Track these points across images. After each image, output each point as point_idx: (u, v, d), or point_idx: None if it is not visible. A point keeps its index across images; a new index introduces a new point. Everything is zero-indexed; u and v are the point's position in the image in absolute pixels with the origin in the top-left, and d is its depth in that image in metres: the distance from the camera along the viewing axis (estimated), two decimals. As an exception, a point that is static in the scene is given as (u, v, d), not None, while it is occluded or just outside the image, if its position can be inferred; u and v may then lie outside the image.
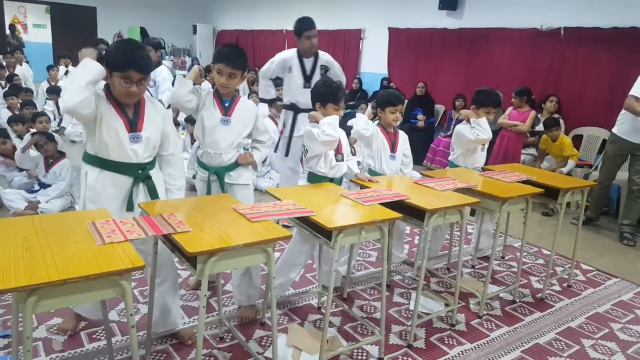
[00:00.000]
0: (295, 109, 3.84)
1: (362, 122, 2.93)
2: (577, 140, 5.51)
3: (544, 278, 3.27)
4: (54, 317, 2.43)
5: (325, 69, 3.83)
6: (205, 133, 2.45)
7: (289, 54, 3.88)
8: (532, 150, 5.54)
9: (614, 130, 4.36)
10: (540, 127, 5.36)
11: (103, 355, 2.19)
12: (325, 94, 2.56)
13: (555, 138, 4.97)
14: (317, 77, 3.75)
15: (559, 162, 5.04)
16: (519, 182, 2.95)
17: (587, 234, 4.36)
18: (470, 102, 3.39)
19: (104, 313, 2.05)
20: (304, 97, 3.58)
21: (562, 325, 2.81)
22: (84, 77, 1.91)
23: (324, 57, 3.86)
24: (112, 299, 2.39)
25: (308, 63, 3.80)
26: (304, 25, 3.72)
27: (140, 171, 2.11)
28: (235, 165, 2.51)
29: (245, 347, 2.33)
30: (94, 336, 2.33)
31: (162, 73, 3.99)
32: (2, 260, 1.42)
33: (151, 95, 4.11)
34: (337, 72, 3.90)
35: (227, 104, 2.47)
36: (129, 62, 1.96)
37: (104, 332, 2.32)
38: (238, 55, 2.42)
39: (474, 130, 3.22)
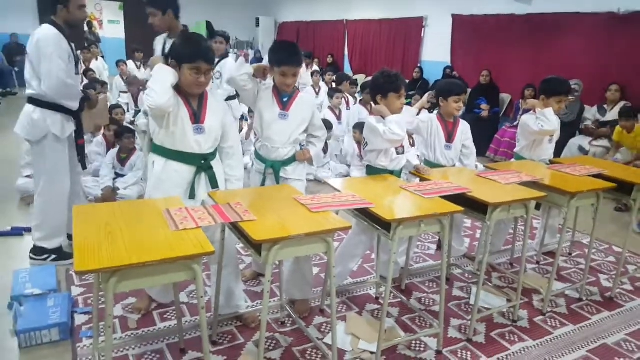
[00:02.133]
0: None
1: (407, 116, 2.86)
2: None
3: (614, 276, 3.13)
4: (129, 297, 2.62)
5: None
6: (264, 127, 2.52)
7: None
8: (604, 142, 5.22)
9: None
10: (613, 117, 5.04)
11: (174, 334, 2.33)
12: (385, 85, 2.56)
13: (631, 129, 4.67)
14: None
15: (634, 154, 4.72)
16: (590, 175, 2.83)
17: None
18: (539, 92, 3.27)
19: (175, 294, 2.21)
20: None
21: (632, 326, 2.68)
22: (167, 79, 2.09)
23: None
24: (181, 282, 2.55)
25: None
26: None
27: (202, 161, 2.23)
28: (292, 160, 2.57)
29: (305, 332, 2.41)
30: (165, 316, 2.49)
31: (227, 64, 4.12)
32: (87, 243, 1.56)
33: (218, 86, 4.26)
34: None
35: (285, 99, 2.52)
36: (199, 53, 2.10)
37: (174, 312, 2.48)
38: (297, 52, 2.48)
39: (538, 121, 3.10)
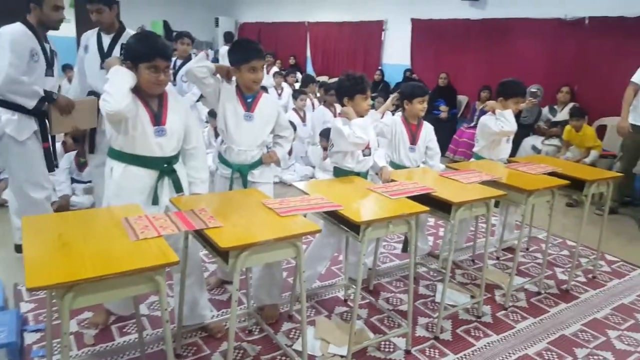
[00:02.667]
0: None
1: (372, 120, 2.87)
2: (602, 131, 5.40)
3: (569, 269, 3.25)
4: (85, 311, 2.47)
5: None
6: (228, 129, 2.44)
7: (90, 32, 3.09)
8: (556, 141, 5.44)
9: (630, 119, 4.34)
10: (563, 117, 5.27)
11: (134, 348, 2.22)
12: (351, 87, 2.56)
13: (579, 128, 4.89)
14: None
15: (582, 152, 4.95)
16: (545, 173, 2.93)
17: (610, 224, 4.27)
18: (496, 94, 3.36)
19: (135, 306, 2.10)
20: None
21: (587, 316, 2.79)
22: (125, 82, 1.99)
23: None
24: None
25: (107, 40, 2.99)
26: None
27: (165, 165, 2.15)
28: (259, 163, 2.51)
29: (274, 339, 2.37)
30: (124, 330, 2.38)
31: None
32: (39, 257, 1.46)
33: (185, 90, 4.15)
34: None
35: (249, 100, 2.45)
36: (155, 51, 2.03)
37: (133, 325, 2.37)
38: (261, 46, 2.44)
39: (498, 122, 3.18)
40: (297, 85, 7.02)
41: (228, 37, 9.09)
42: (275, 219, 1.88)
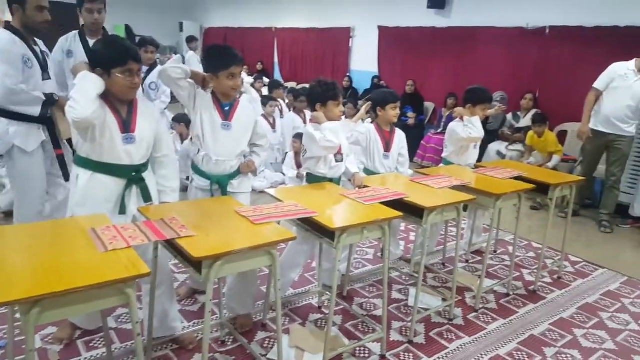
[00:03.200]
0: None
1: (346, 129, 2.87)
2: (562, 136, 5.60)
3: (535, 271, 3.34)
4: (49, 326, 2.37)
5: None
6: (205, 138, 2.36)
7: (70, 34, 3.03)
8: (519, 146, 5.61)
9: (590, 124, 4.50)
10: (526, 124, 5.43)
11: (102, 363, 2.15)
12: (324, 93, 2.56)
13: (541, 134, 5.05)
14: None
15: (544, 157, 5.11)
16: (511, 178, 3.01)
17: (573, 226, 4.42)
18: (463, 101, 3.43)
19: (103, 319, 2.02)
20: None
21: (554, 316, 2.87)
22: (92, 89, 1.92)
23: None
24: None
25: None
26: None
27: (134, 173, 2.09)
28: (238, 173, 2.46)
29: (248, 349, 2.33)
30: (91, 344, 2.29)
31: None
32: (3, 270, 1.39)
33: (153, 99, 4.04)
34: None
35: (227, 108, 2.39)
36: (127, 55, 1.98)
37: (101, 339, 2.29)
38: (237, 52, 2.39)
39: (466, 129, 3.25)
40: (264, 91, 6.97)
41: (190, 40, 8.94)
42: (249, 227, 1.85)
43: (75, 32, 2.95)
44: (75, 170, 2.09)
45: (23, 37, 2.61)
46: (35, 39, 2.74)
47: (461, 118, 3.32)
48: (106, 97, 2.01)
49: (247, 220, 1.91)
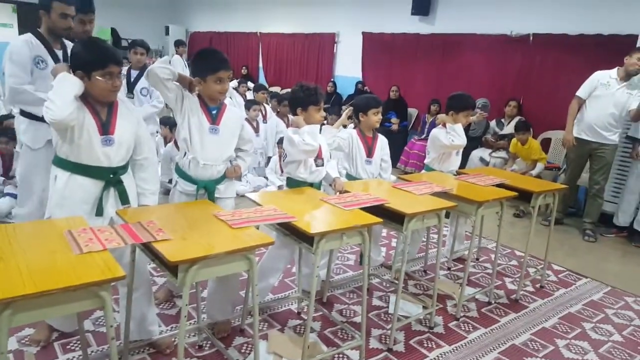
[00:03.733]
0: None
1: (328, 135, 2.88)
2: (546, 144, 5.68)
3: (517, 279, 3.34)
4: (26, 327, 2.34)
5: None
6: (193, 142, 2.32)
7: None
8: (503, 154, 5.67)
9: (574, 132, 4.55)
10: (509, 131, 5.50)
11: (78, 366, 2.11)
12: (305, 98, 2.55)
13: (525, 141, 5.11)
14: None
15: (528, 165, 5.17)
16: (493, 185, 3.02)
17: (556, 234, 4.47)
18: (446, 108, 3.45)
19: (79, 322, 2.00)
20: None
21: (536, 325, 2.87)
22: (70, 91, 1.91)
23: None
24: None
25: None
26: None
27: (111, 175, 2.08)
28: (223, 178, 2.43)
29: (225, 354, 2.30)
30: (68, 347, 2.26)
31: None
32: (-27, 272, 1.36)
33: (145, 102, 4.02)
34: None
35: (214, 112, 2.36)
36: (108, 57, 1.98)
37: (78, 342, 2.26)
38: (225, 56, 2.37)
39: (449, 136, 3.27)
40: (249, 95, 6.96)
41: (179, 44, 8.91)
42: (227, 231, 1.83)
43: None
44: (53, 171, 2.07)
45: (43, 40, 2.71)
46: (65, 41, 2.83)
47: (444, 125, 3.34)
48: (86, 98, 2.00)
49: (225, 224, 1.89)
